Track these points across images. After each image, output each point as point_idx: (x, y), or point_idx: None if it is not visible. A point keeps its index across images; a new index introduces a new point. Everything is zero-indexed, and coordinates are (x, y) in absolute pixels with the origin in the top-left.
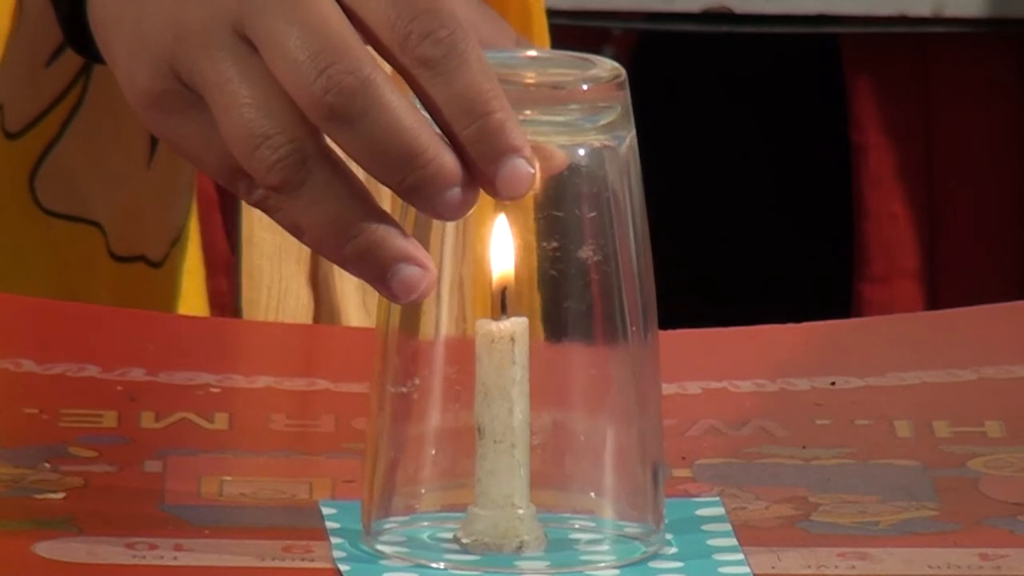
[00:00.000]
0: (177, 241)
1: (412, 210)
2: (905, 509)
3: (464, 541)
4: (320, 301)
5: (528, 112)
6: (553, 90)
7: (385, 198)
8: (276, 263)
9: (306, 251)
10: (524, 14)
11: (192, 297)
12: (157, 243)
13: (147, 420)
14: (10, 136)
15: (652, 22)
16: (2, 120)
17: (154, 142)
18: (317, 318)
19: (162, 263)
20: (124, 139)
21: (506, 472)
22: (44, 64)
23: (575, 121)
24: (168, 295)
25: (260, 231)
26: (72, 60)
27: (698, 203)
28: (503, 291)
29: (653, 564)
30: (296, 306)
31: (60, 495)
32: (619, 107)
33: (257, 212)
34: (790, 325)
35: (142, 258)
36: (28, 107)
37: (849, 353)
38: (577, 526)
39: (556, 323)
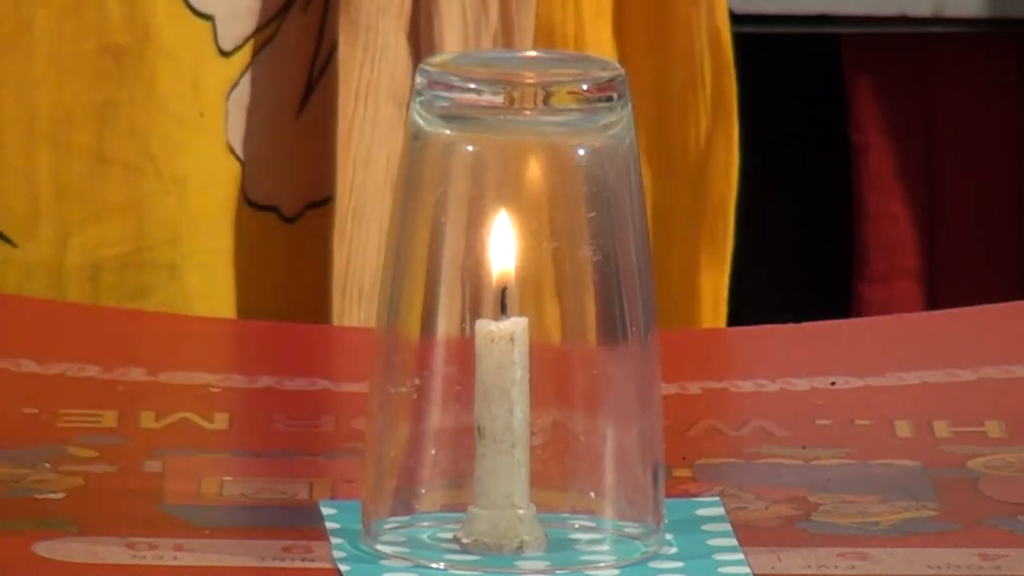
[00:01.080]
0: (317, 206)
1: (412, 209)
2: (905, 509)
3: (464, 541)
4: (420, 57)
5: (528, 112)
6: (553, 90)
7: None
8: (374, 18)
9: (407, 5)
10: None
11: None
12: (290, 198)
13: (147, 420)
14: (223, 54)
15: None
16: (215, 35)
17: (307, 95)
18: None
19: (294, 220)
20: (281, 83)
21: (506, 472)
22: None
23: (575, 121)
24: (299, 253)
25: None
26: None
27: None
28: (503, 291)
29: (653, 564)
30: (395, 62)
31: (60, 495)
32: (619, 107)
33: None
34: (790, 325)
35: (275, 209)
36: (240, 28)
37: (849, 353)
38: (577, 526)
39: (556, 323)
